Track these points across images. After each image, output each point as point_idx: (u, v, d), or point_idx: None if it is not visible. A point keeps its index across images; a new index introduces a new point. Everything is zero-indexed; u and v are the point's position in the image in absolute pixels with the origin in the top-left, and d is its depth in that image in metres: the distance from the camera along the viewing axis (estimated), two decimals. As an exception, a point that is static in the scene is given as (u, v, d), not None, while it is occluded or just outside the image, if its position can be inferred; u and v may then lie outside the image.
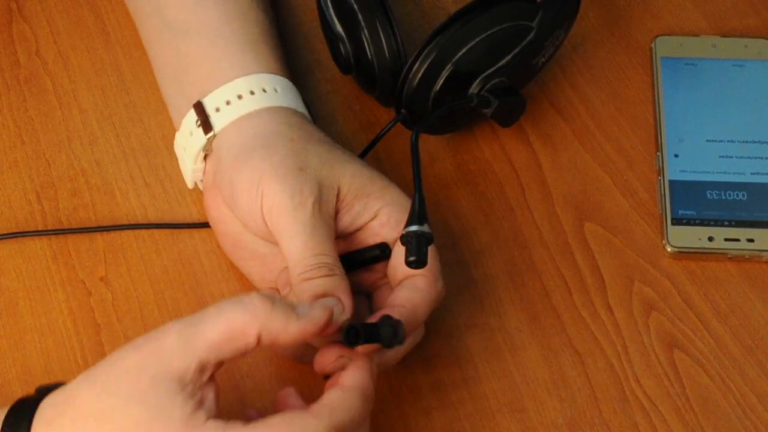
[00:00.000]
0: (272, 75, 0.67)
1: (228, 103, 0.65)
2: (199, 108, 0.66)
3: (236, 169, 0.63)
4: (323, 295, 0.59)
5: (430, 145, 0.74)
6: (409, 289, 0.61)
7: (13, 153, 0.74)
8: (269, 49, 0.69)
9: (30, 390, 0.65)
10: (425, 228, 0.60)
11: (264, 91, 0.66)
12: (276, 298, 0.54)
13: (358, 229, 0.64)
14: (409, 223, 0.60)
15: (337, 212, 0.63)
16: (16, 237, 0.70)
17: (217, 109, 0.65)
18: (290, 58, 0.78)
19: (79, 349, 0.67)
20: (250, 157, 0.63)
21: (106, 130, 0.74)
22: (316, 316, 0.54)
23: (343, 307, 0.58)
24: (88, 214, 0.71)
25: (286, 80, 0.68)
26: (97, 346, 0.67)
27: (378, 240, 0.63)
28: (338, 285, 0.60)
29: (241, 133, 0.65)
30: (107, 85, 0.76)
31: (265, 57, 0.68)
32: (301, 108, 0.67)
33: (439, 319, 0.67)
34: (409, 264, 0.59)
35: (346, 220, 0.63)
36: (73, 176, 0.73)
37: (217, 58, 0.68)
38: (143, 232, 0.70)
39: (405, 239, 0.60)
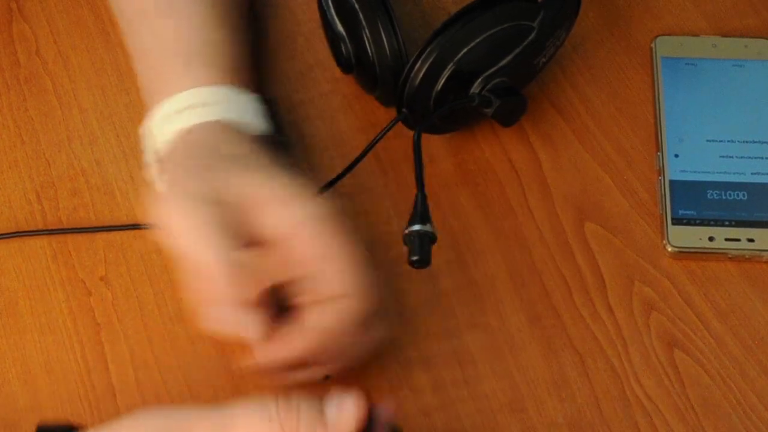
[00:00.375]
0: (207, 88, 0.67)
1: (158, 127, 0.66)
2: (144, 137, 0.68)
3: (157, 190, 0.65)
4: (249, 304, 0.58)
5: (431, 145, 0.74)
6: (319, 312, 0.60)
7: (13, 153, 0.74)
8: (210, 58, 0.68)
9: (30, 391, 0.65)
10: (428, 227, 0.60)
11: (190, 108, 0.66)
12: (300, 406, 0.53)
13: (281, 238, 0.62)
14: (411, 223, 0.60)
15: (247, 225, 0.61)
16: (15, 237, 0.70)
17: (150, 136, 0.67)
18: (290, 59, 0.78)
19: (79, 349, 0.67)
20: (167, 179, 0.64)
21: (106, 130, 0.74)
22: (346, 423, 0.53)
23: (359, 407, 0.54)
24: (88, 213, 0.71)
25: (224, 88, 0.67)
26: (97, 346, 0.67)
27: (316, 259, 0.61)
28: (250, 321, 0.59)
29: (168, 156, 0.65)
30: (107, 85, 0.76)
31: (205, 69, 0.68)
32: (235, 115, 0.66)
33: (439, 319, 0.68)
34: (411, 264, 0.59)
35: (261, 229, 0.61)
36: (73, 176, 0.73)
37: (155, 76, 0.69)
38: (143, 231, 0.70)
39: (407, 239, 0.60)
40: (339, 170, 0.73)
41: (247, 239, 0.60)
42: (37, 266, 0.69)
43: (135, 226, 0.70)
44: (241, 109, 0.67)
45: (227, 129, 0.65)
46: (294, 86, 0.77)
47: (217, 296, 0.59)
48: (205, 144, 0.64)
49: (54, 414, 0.64)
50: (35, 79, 0.77)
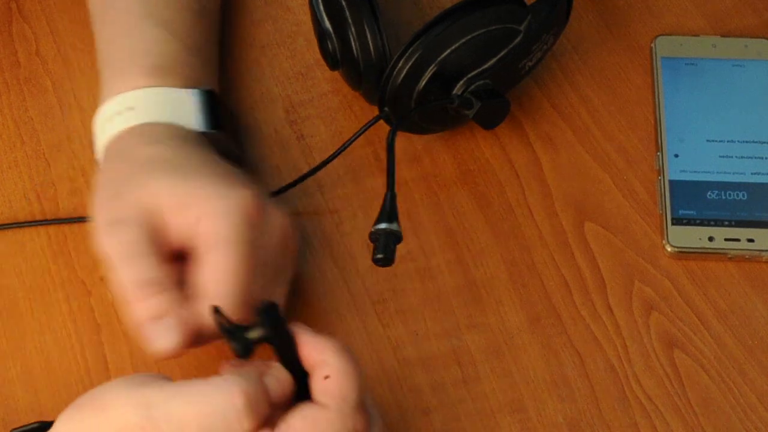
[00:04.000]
0: (132, 92, 0.66)
1: (97, 137, 0.67)
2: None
3: None
4: (157, 317, 0.58)
5: (431, 145, 0.74)
6: None
7: (13, 153, 0.74)
8: (136, 61, 0.68)
9: (30, 391, 0.65)
10: (394, 226, 0.60)
11: (119, 114, 0.66)
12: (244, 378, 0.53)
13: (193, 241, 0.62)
14: (378, 221, 0.60)
15: (165, 229, 0.61)
16: (12, 228, 0.70)
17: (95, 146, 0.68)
18: (290, 59, 0.78)
19: (79, 349, 0.67)
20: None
21: (106, 130, 0.74)
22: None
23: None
24: (88, 213, 0.71)
25: (150, 89, 0.66)
26: (97, 346, 0.67)
27: (207, 249, 0.60)
28: (170, 302, 0.58)
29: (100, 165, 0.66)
30: (107, 85, 0.76)
31: (131, 74, 0.68)
32: (161, 116, 0.66)
33: (439, 319, 0.68)
34: (375, 262, 0.59)
35: (179, 235, 0.61)
36: (73, 176, 0.73)
37: (99, 84, 0.69)
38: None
39: (373, 236, 0.60)
40: (338, 170, 0.73)
41: (168, 246, 0.60)
42: (37, 266, 0.69)
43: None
44: (171, 107, 0.66)
45: (152, 131, 0.65)
46: (294, 86, 0.77)
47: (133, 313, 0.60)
48: (123, 152, 0.64)
49: (54, 414, 0.64)
50: (35, 79, 0.77)
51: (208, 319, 0.56)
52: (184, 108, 0.67)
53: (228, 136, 0.69)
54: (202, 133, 0.67)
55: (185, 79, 0.68)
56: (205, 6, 0.74)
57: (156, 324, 0.58)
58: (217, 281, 0.59)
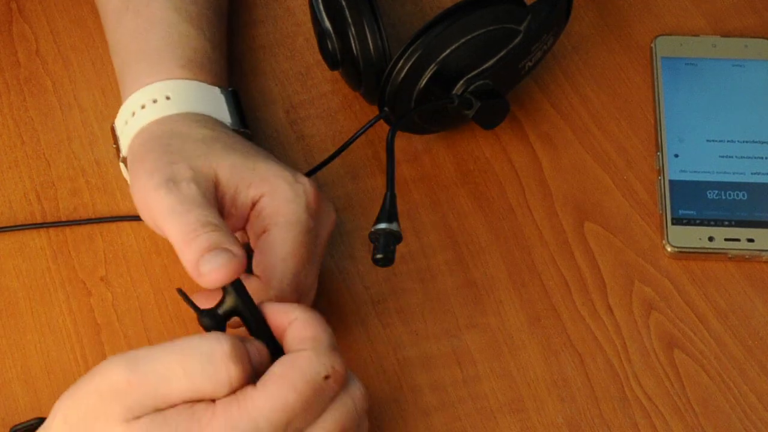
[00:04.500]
0: (165, 82, 0.67)
1: (126, 122, 0.67)
2: (112, 132, 0.69)
3: (129, 184, 0.65)
4: (212, 248, 0.56)
5: (431, 145, 0.74)
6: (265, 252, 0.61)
7: (13, 152, 0.74)
8: (170, 53, 0.69)
9: (30, 391, 0.66)
10: (394, 226, 0.60)
11: (154, 102, 0.66)
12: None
13: (245, 219, 0.63)
14: (378, 221, 0.60)
15: (220, 201, 0.61)
16: (13, 231, 0.70)
17: (119, 132, 0.68)
18: (290, 59, 0.78)
19: (79, 349, 0.67)
20: (133, 169, 0.64)
21: (106, 130, 0.74)
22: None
23: (233, 254, 0.56)
24: (88, 213, 0.71)
25: (185, 82, 0.67)
26: (97, 346, 0.67)
27: (260, 228, 0.62)
28: (225, 238, 0.57)
29: (132, 149, 0.66)
30: (107, 85, 0.76)
31: (165, 65, 0.68)
32: (198, 107, 0.66)
33: (439, 319, 0.68)
34: (375, 262, 0.60)
35: (234, 208, 0.62)
36: (73, 176, 0.73)
37: (123, 75, 0.70)
38: (143, 231, 0.70)
39: (372, 236, 0.60)
40: (339, 170, 0.73)
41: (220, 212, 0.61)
42: (37, 266, 0.70)
43: (134, 218, 0.70)
44: (206, 101, 0.67)
45: (196, 118, 0.66)
46: (294, 86, 0.77)
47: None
48: (172, 131, 0.64)
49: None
50: (35, 79, 0.77)
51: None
52: (218, 104, 0.68)
53: (249, 136, 0.69)
54: (236, 131, 0.67)
55: (214, 76, 0.69)
56: (221, 4, 0.74)
57: (213, 254, 0.56)
58: (281, 259, 0.60)
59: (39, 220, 0.71)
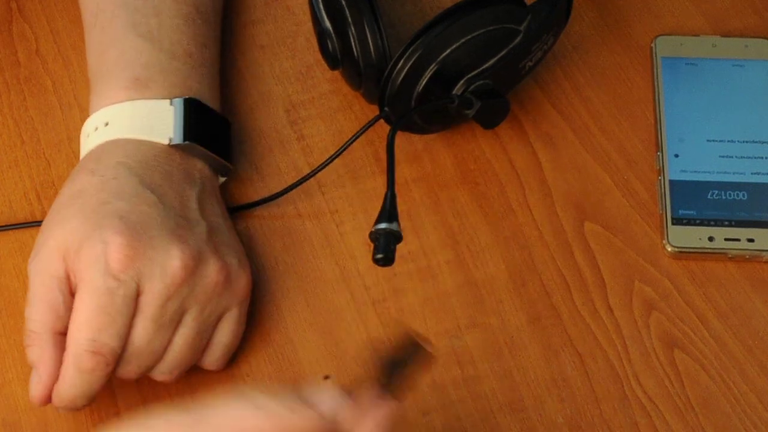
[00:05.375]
0: (109, 108, 0.67)
1: (87, 136, 0.68)
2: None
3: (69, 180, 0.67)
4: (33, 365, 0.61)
5: (431, 145, 0.74)
6: None
7: (13, 152, 0.74)
8: (117, 74, 0.69)
9: (29, 390, 0.65)
10: (394, 226, 0.60)
11: (96, 129, 0.67)
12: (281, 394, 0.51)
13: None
14: (378, 221, 0.60)
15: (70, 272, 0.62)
16: (13, 230, 0.70)
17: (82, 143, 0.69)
18: (290, 59, 0.78)
19: (79, 349, 0.67)
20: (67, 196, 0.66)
21: (106, 129, 0.74)
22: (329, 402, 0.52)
23: None
24: (88, 213, 0.71)
25: (125, 105, 0.67)
26: (97, 346, 0.67)
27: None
28: (38, 353, 0.61)
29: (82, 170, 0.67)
30: (107, 85, 0.76)
31: (112, 89, 0.68)
32: (133, 132, 0.66)
33: (439, 319, 0.67)
34: (375, 262, 0.60)
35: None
36: (73, 176, 0.73)
37: (89, 91, 0.70)
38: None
39: (373, 236, 0.60)
40: (339, 170, 0.73)
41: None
42: (37, 266, 0.69)
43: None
44: (144, 122, 0.66)
45: (104, 151, 0.66)
46: (294, 86, 0.77)
47: None
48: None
49: (54, 414, 0.64)
50: (35, 79, 0.77)
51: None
52: (161, 120, 0.67)
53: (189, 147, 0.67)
54: (177, 146, 0.66)
55: (170, 88, 0.68)
56: (199, 9, 0.72)
57: (32, 377, 0.62)
58: (75, 327, 0.61)
59: (39, 219, 0.71)
